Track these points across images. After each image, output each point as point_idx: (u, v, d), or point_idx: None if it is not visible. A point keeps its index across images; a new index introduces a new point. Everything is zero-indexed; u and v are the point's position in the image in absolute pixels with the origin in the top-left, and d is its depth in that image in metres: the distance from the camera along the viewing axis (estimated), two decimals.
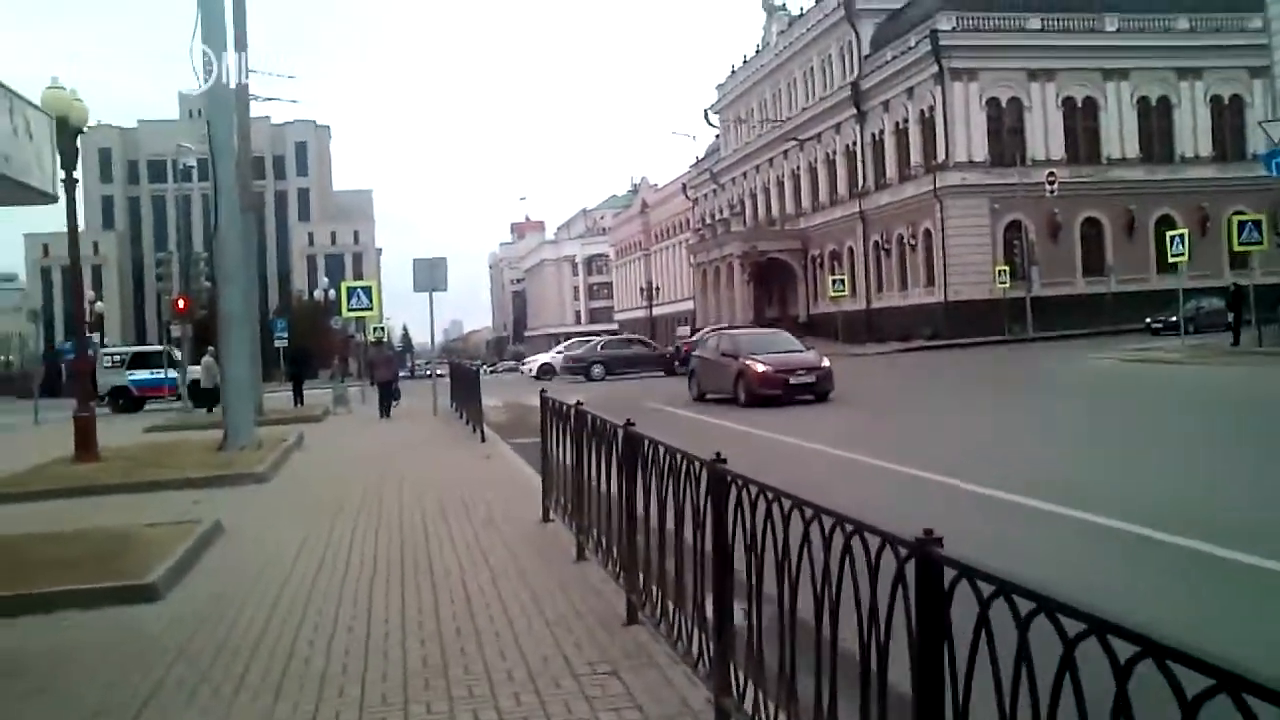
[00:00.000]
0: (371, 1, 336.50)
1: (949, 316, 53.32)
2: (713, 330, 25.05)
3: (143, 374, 36.66)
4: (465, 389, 20.53)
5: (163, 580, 7.48)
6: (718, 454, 4.44)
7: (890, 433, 16.35)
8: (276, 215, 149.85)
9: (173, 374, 33.32)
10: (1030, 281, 51.48)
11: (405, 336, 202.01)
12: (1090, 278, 55.12)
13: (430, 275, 23.51)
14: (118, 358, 38.92)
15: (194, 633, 6.45)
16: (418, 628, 6.27)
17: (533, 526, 9.41)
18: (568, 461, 8.38)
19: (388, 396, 26.18)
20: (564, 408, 8.59)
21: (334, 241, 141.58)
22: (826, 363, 22.48)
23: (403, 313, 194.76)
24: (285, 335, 55.93)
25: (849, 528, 3.11)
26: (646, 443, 5.73)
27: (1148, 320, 45.42)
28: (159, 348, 40.78)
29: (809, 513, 3.40)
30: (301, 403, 29.98)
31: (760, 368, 21.85)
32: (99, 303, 67.27)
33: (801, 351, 23.65)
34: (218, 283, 15.48)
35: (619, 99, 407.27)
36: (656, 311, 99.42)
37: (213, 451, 15.48)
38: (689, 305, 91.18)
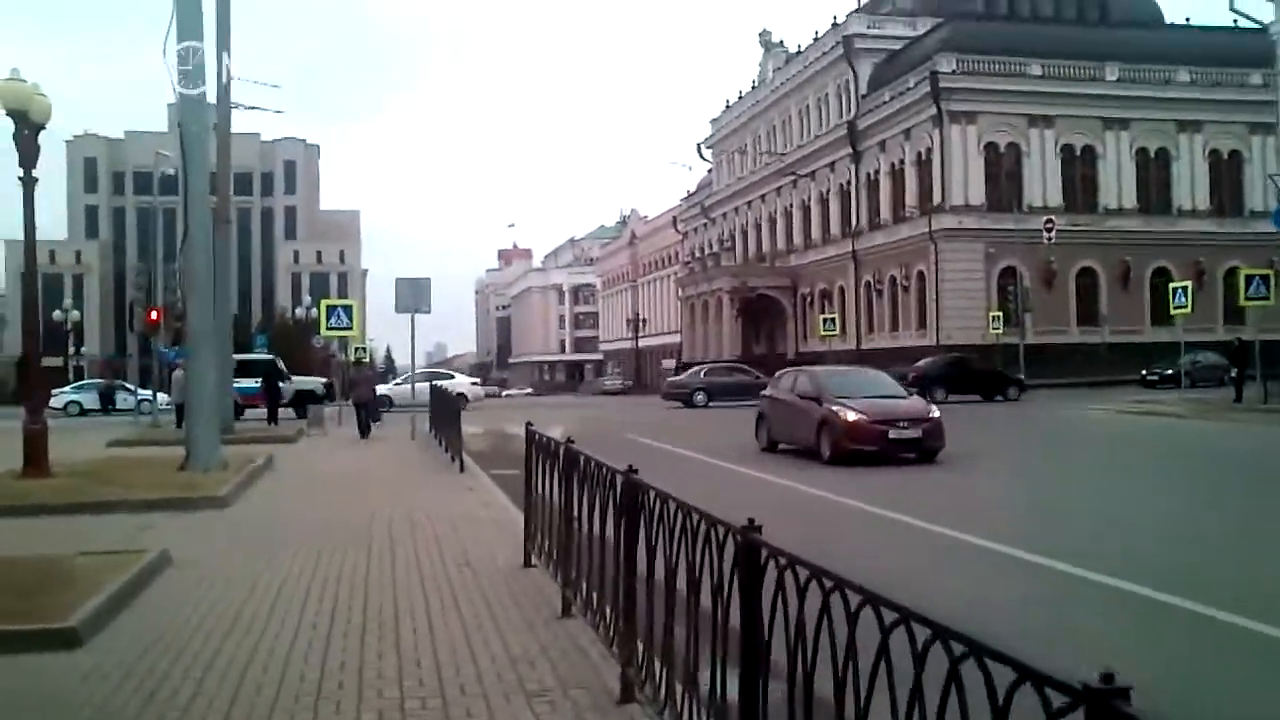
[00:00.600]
0: (364, 23, 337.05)
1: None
2: (791, 370, 20.54)
3: (246, 383, 35.94)
4: (445, 415, 19.58)
5: (87, 623, 6.52)
6: (750, 521, 3.54)
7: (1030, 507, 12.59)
8: (263, 232, 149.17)
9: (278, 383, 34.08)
10: (1024, 328, 50.87)
11: (388, 358, 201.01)
12: (1084, 327, 54.61)
13: (413, 295, 22.61)
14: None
15: (116, 688, 5.52)
16: (376, 695, 5.34)
17: (513, 572, 8.48)
18: (555, 502, 7.50)
19: (367, 416, 25.61)
20: (551, 444, 7.70)
21: (320, 260, 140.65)
22: (936, 413, 18.04)
23: (388, 335, 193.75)
24: (267, 352, 55.09)
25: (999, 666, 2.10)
26: (652, 495, 4.84)
27: (1143, 372, 44.80)
28: (263, 356, 41.24)
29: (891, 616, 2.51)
30: (275, 422, 28.93)
31: (851, 416, 17.34)
32: (73, 312, 65.82)
33: (904, 398, 19.19)
34: (185, 296, 14.52)
35: (610, 130, 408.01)
36: (643, 343, 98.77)
37: (174, 471, 14.50)
38: (675, 338, 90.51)
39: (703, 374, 46.19)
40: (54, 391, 47.02)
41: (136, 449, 19.83)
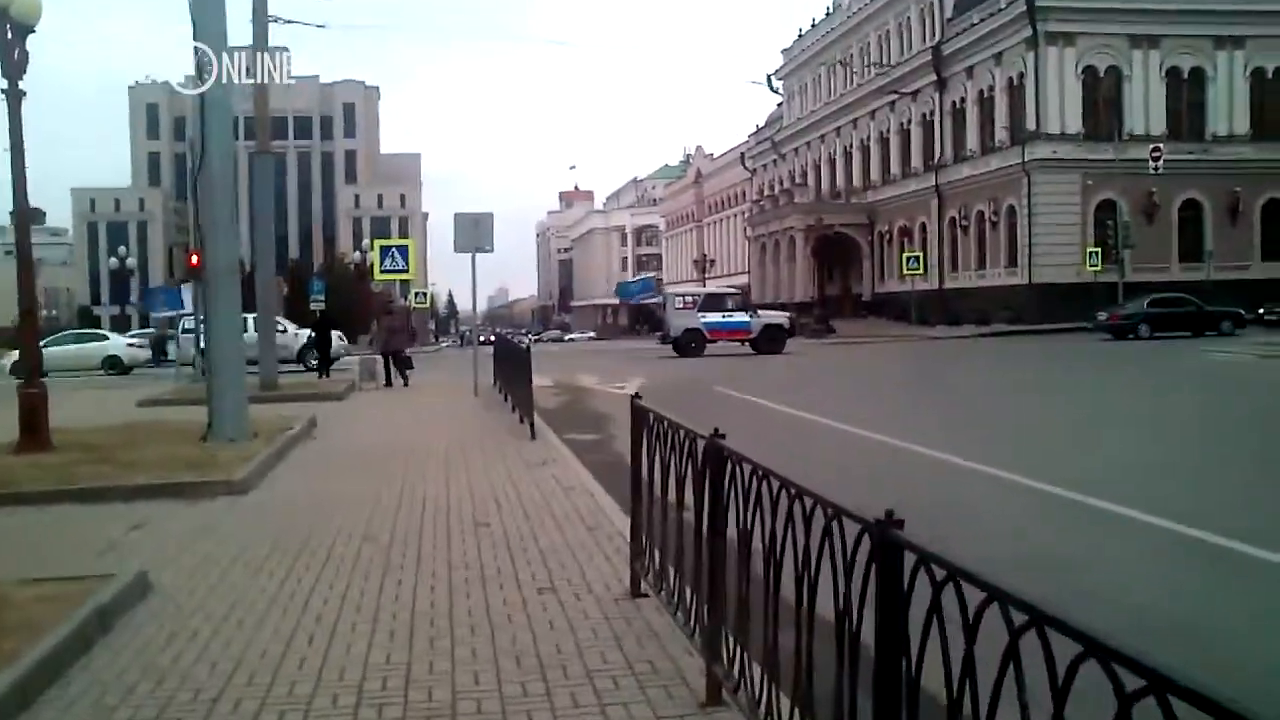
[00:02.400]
0: None
1: (1032, 300, 49.38)
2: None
3: (715, 317, 37.79)
4: (512, 368, 17.09)
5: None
6: None
7: None
8: (323, 177, 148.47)
9: (743, 317, 37.86)
10: (1123, 265, 47.37)
11: (450, 303, 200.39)
12: (1186, 264, 50.89)
13: (474, 233, 20.09)
14: (689, 299, 39.83)
15: None
16: None
17: (617, 605, 5.99)
18: (678, 510, 5.07)
19: (402, 365, 24.75)
20: (675, 434, 5.21)
21: (380, 204, 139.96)
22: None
23: (449, 278, 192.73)
24: (323, 298, 52.99)
25: None
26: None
27: (1260, 311, 41.28)
28: (731, 289, 43.64)
29: None
30: (327, 375, 26.72)
31: None
32: (129, 259, 64.36)
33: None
34: (204, 231, 12.12)
35: (673, 67, 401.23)
36: (710, 285, 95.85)
37: (194, 443, 12.21)
38: (743, 279, 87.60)
39: (1147, 304, 40.45)
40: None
41: (168, 409, 17.58)
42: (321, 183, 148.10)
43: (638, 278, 44.32)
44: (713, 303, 38.72)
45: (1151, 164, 46.78)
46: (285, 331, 36.36)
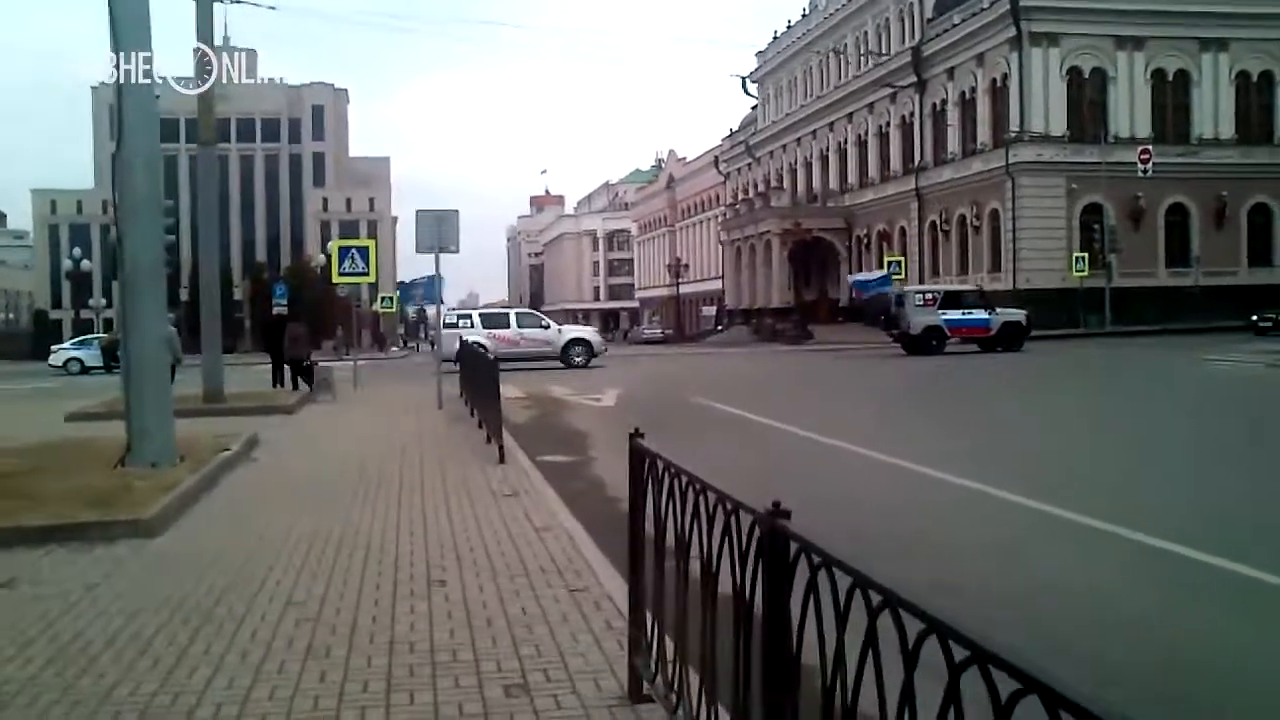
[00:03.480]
0: None
1: (1018, 305, 48.01)
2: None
3: (954, 314, 36.67)
4: (478, 380, 15.43)
5: None
6: None
7: None
8: (291, 180, 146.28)
9: (982, 314, 36.71)
10: (1110, 270, 46.20)
11: (420, 309, 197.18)
12: (1174, 269, 49.86)
13: (437, 231, 18.44)
14: (929, 296, 38.06)
15: None
16: None
17: (611, 714, 4.42)
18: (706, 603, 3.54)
19: (307, 374, 23.49)
20: (703, 497, 3.64)
21: (349, 208, 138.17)
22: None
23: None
24: (285, 302, 51.10)
25: None
26: None
27: (1253, 317, 40.13)
28: (969, 287, 41.48)
29: None
30: (281, 384, 24.99)
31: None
32: (84, 261, 62.15)
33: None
34: (120, 222, 10.44)
35: (644, 72, 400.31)
36: (683, 290, 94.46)
37: (110, 468, 10.54)
38: (717, 284, 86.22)
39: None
40: (54, 347, 43.51)
41: (96, 424, 15.81)
42: (289, 186, 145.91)
43: (876, 274, 42.69)
44: (952, 300, 37.46)
45: (1140, 167, 45.68)
46: (549, 328, 35.48)
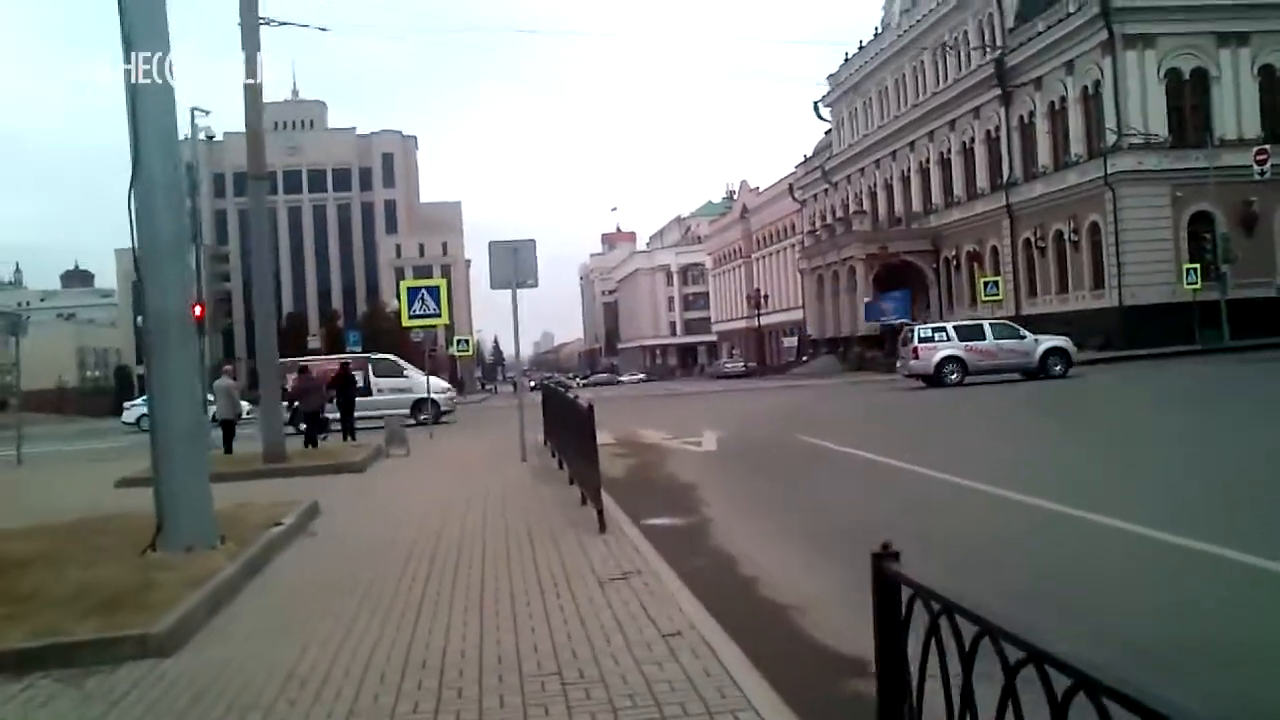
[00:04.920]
0: (459, 13, 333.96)
1: (1124, 322, 45.30)
2: None
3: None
4: (566, 426, 13.49)
5: None
6: None
7: None
8: (364, 228, 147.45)
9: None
10: (1225, 282, 43.16)
11: (495, 349, 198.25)
12: None
13: (513, 263, 16.66)
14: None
15: None
16: None
17: None
18: None
19: (315, 427, 22.66)
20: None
21: (422, 253, 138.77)
22: None
23: (494, 325, 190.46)
24: (359, 349, 50.05)
25: None
26: None
27: None
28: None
29: None
30: (353, 437, 23.33)
31: None
32: None
33: None
34: (141, 264, 8.74)
35: (712, 104, 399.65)
36: (762, 321, 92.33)
37: (139, 551, 8.81)
38: (796, 314, 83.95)
39: None
40: (126, 404, 42.60)
41: (147, 491, 14.15)
42: (363, 234, 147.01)
43: (892, 301, 40.32)
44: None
45: (1257, 169, 42.63)
46: (1025, 338, 33.50)
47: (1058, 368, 32.60)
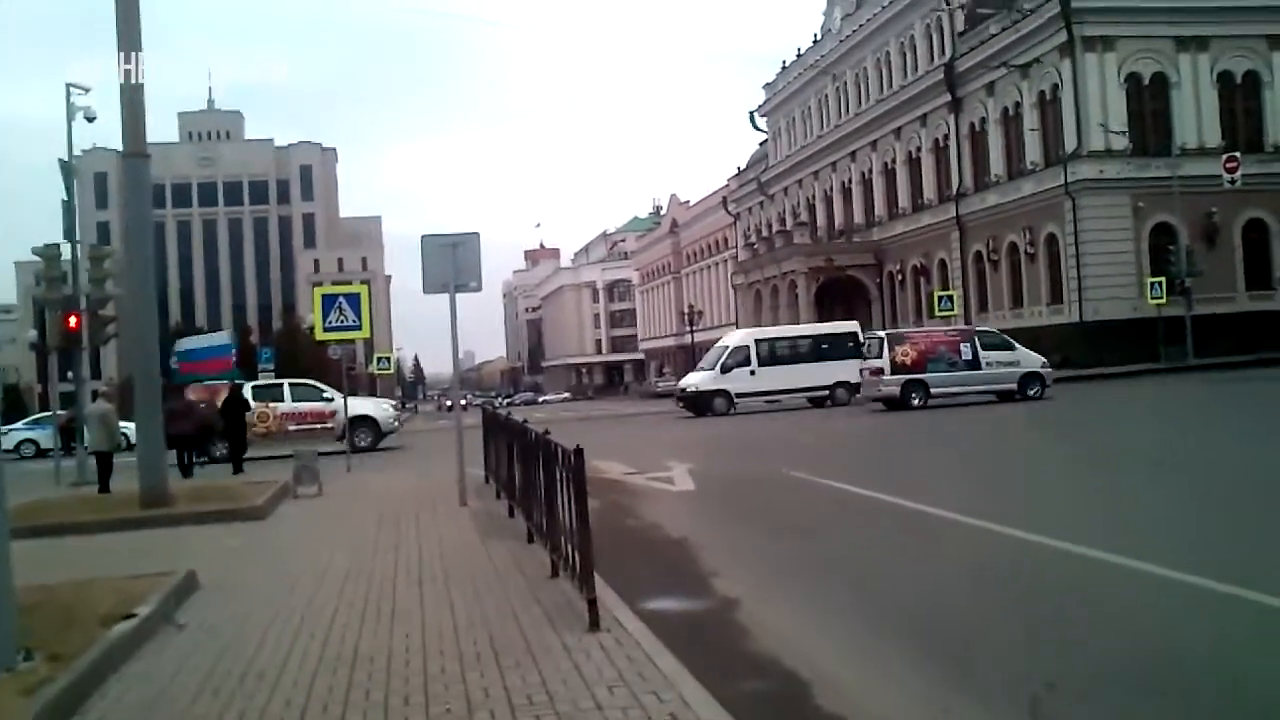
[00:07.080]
0: (374, 22, 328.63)
1: (1085, 339, 43.21)
2: None
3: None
4: (526, 467, 10.12)
5: None
6: None
7: None
8: (281, 242, 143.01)
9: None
10: (1189, 297, 41.30)
11: (416, 367, 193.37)
12: (1255, 291, 44.98)
13: (451, 263, 13.49)
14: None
15: None
16: None
17: None
18: None
19: (190, 456, 21.73)
20: None
21: (341, 268, 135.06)
22: None
23: (414, 343, 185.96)
24: (272, 367, 46.20)
25: None
26: None
27: None
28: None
29: None
30: (241, 470, 19.90)
31: None
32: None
33: None
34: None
35: (636, 118, 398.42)
36: (696, 338, 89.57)
37: None
38: (728, 331, 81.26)
39: None
40: (5, 428, 38.33)
41: None
42: (279, 248, 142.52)
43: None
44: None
45: (1226, 177, 40.73)
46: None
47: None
